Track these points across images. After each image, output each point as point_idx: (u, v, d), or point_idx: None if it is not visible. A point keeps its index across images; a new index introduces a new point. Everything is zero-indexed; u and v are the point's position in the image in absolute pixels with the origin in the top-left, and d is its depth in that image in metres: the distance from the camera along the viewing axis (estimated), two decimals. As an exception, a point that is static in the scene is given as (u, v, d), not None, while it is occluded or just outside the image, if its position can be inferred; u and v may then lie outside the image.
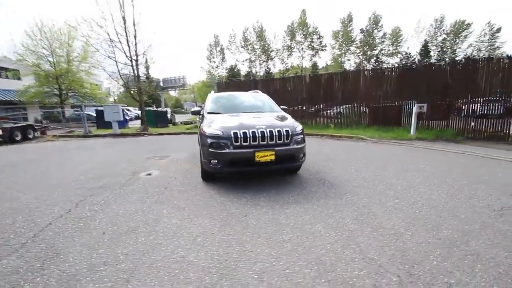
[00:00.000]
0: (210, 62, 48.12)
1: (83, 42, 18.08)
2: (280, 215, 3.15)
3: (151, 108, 23.48)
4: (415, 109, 10.08)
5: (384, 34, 46.93)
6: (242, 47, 47.10)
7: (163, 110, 21.37)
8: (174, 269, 2.13)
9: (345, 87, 12.92)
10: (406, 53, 47.49)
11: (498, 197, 3.58)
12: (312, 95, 13.62)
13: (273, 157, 3.95)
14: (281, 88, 14.40)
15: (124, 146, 9.42)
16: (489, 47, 43.60)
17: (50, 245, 2.56)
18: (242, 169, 4.07)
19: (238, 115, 4.81)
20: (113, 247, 2.49)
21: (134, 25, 15.00)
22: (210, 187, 4.28)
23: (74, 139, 12.04)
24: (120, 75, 16.05)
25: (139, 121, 21.87)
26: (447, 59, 44.46)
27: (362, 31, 46.39)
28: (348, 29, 47.20)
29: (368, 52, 48.49)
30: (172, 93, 58.69)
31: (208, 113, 5.10)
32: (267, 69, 48.74)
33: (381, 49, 48.26)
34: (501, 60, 9.15)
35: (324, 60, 52.57)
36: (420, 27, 48.98)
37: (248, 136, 3.93)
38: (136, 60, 15.62)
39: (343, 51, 49.37)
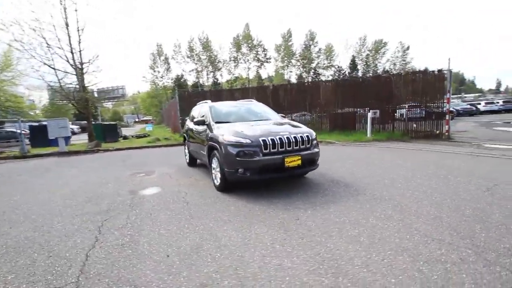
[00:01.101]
0: (154, 71, 45.72)
1: (6, 48, 15.27)
2: (329, 214, 3.32)
3: (91, 122, 20.99)
4: (370, 115, 11.52)
5: (320, 49, 52.11)
6: (188, 57, 46.21)
7: (112, 123, 19.37)
8: (283, 276, 2.10)
9: (305, 97, 13.97)
10: (338, 67, 53.56)
11: (477, 181, 4.46)
12: (275, 104, 14.24)
13: (299, 162, 4.12)
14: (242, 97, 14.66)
15: (88, 165, 8.27)
16: (402, 62, 52.47)
17: (115, 279, 2.20)
18: (271, 176, 4.12)
19: (251, 123, 4.85)
20: (194, 268, 2.29)
21: (78, 30, 13.46)
22: (234, 197, 4.17)
23: (10, 161, 9.96)
24: (61, 85, 14.03)
25: (78, 137, 19.32)
26: (370, 72, 51.55)
27: (306, 46, 50.59)
28: (289, 44, 50.89)
29: (307, 66, 52.99)
30: (108, 105, 53.36)
31: (217, 122, 4.99)
32: (215, 79, 48.75)
33: (318, 63, 53.33)
34: (432, 72, 11.25)
35: (269, 71, 55.27)
36: (348, 44, 55.83)
37: (276, 142, 4.02)
38: (81, 69, 13.96)
39: (285, 63, 52.84)
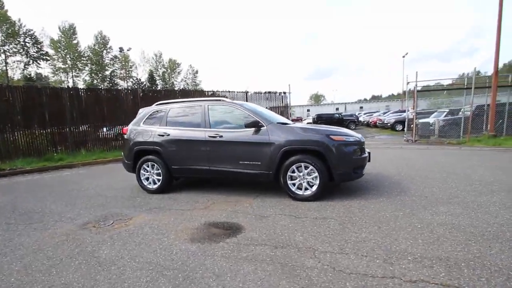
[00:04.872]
0: None
1: None
2: (406, 205, 4.22)
3: None
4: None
5: (115, 56, 46.80)
6: None
7: None
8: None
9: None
10: (137, 79, 51.00)
11: (429, 153, 7.29)
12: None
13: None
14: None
15: None
16: (193, 83, 59.73)
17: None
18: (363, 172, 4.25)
19: (311, 124, 4.58)
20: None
21: None
22: (336, 201, 3.85)
23: None
24: None
25: None
26: (168, 87, 54.09)
27: (121, 49, 43.58)
28: (73, 42, 41.06)
29: (100, 72, 45.62)
30: None
31: (278, 123, 4.15)
32: None
33: (113, 71, 47.57)
34: (280, 94, 14.91)
35: (47, 71, 40.61)
36: (145, 58, 54.47)
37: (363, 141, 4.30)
38: None
39: (68, 65, 41.92)
